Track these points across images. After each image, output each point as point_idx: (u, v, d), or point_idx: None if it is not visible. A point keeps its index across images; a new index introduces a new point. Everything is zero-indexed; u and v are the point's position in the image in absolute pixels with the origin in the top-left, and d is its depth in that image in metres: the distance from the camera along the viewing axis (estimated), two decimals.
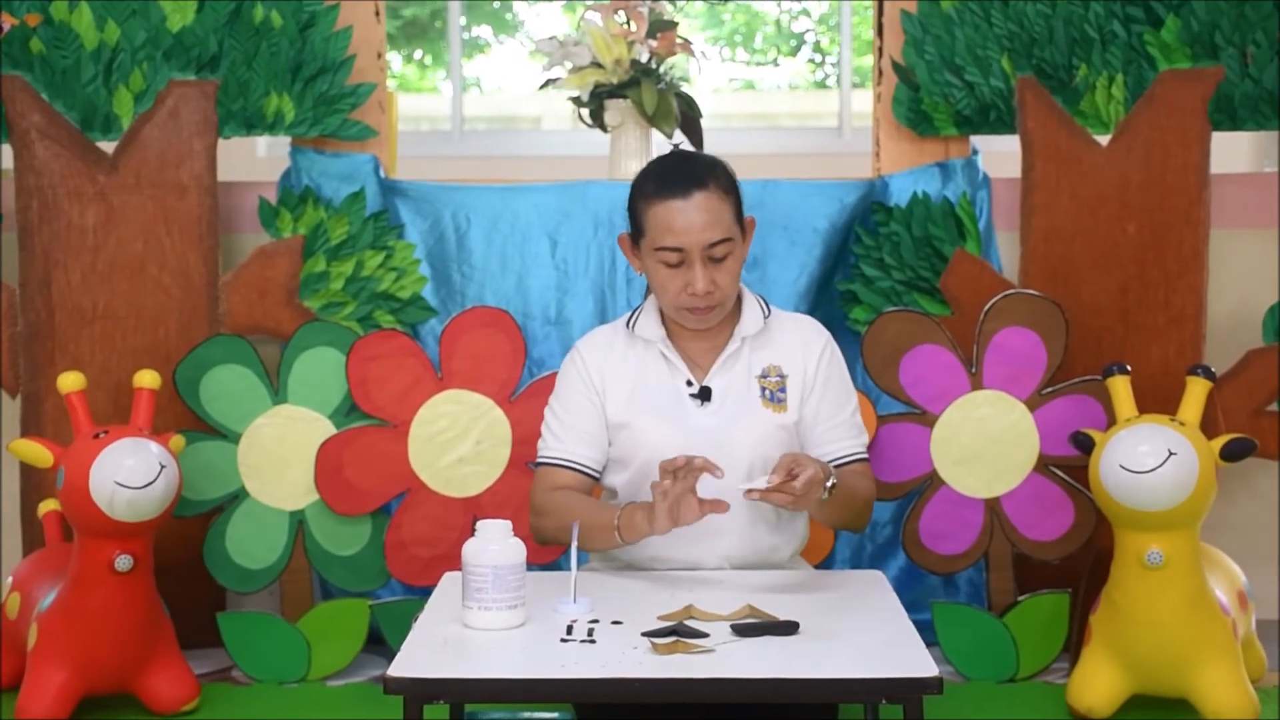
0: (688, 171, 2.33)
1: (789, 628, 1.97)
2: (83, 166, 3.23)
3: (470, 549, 2.00)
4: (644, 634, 1.94)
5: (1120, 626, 2.75)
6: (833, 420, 2.44)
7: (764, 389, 2.41)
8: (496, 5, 6.56)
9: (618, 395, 2.43)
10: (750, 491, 2.15)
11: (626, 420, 2.41)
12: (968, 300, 3.22)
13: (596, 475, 2.45)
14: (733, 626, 1.98)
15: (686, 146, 2.53)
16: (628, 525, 2.24)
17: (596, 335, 2.52)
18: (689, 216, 2.29)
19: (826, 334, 2.50)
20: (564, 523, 2.25)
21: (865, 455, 2.49)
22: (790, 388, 2.41)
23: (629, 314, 2.50)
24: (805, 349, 2.44)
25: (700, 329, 2.40)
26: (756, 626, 1.97)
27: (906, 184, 3.36)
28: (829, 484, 2.20)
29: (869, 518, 2.51)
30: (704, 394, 2.40)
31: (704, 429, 2.37)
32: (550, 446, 2.45)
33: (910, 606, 2.30)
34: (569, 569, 2.10)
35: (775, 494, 2.14)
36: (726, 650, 1.88)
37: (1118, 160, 3.27)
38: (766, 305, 2.47)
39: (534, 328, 3.34)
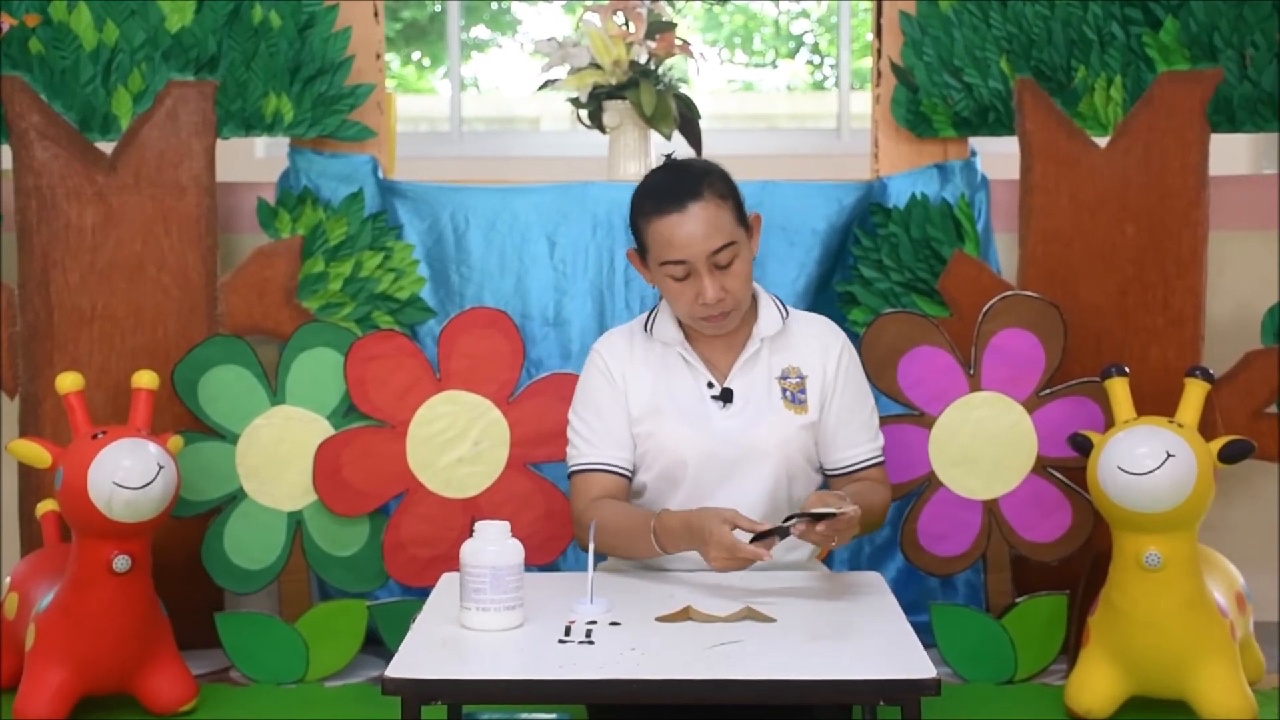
0: (681, 184, 2.33)
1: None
2: (81, 167, 3.23)
3: (468, 550, 2.00)
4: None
5: (1118, 628, 2.75)
6: (851, 425, 2.45)
7: (784, 390, 2.41)
8: (495, 6, 6.56)
9: (639, 396, 2.42)
10: (795, 525, 2.13)
11: (650, 423, 2.40)
12: (966, 302, 3.22)
13: (631, 475, 2.44)
14: (803, 515, 2.11)
15: (677, 155, 2.52)
16: (667, 535, 2.23)
17: (614, 337, 2.51)
18: (688, 228, 2.29)
19: (843, 335, 2.51)
20: (605, 540, 2.26)
21: (882, 458, 2.50)
22: (810, 389, 2.42)
23: (645, 316, 2.49)
24: (824, 351, 2.45)
25: (719, 335, 2.40)
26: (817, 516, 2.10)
27: (905, 185, 3.36)
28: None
29: (884, 520, 2.52)
30: (726, 396, 2.40)
31: (727, 430, 2.38)
32: (583, 453, 2.43)
33: (908, 608, 2.30)
34: (585, 568, 2.11)
35: (814, 534, 2.13)
36: (724, 650, 1.88)
37: (1116, 162, 3.27)
38: (783, 306, 2.48)
39: (532, 328, 3.34)
